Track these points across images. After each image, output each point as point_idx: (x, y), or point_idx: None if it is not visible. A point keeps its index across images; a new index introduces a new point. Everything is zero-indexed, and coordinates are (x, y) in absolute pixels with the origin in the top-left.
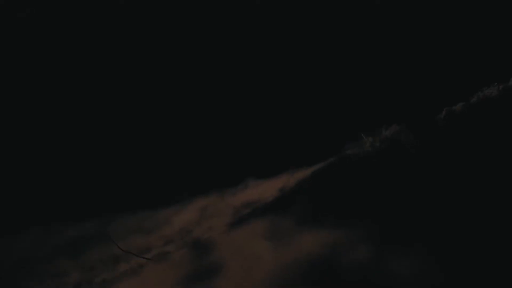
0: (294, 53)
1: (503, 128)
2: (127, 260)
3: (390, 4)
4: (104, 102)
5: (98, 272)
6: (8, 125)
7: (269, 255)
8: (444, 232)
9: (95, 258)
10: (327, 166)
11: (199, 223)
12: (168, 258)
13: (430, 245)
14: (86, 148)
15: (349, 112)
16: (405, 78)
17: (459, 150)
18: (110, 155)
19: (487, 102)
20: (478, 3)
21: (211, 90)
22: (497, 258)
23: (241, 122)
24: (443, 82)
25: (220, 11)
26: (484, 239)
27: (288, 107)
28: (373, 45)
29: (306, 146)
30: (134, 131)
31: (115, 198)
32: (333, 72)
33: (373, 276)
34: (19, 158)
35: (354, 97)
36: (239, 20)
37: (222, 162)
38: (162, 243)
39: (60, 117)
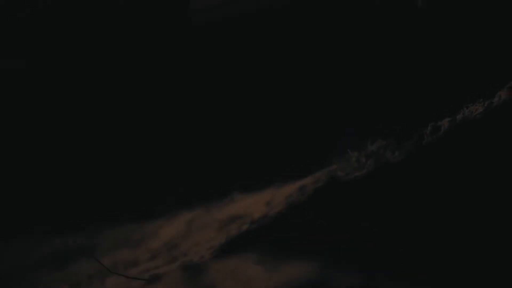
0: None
1: (487, 143)
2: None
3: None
4: (96, 109)
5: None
6: None
7: (261, 279)
8: (440, 263)
9: (82, 272)
10: (314, 182)
11: (186, 237)
12: (159, 278)
13: (424, 269)
14: (71, 159)
15: (334, 126)
16: (391, 92)
17: (444, 165)
18: (94, 167)
19: (472, 118)
20: (465, 22)
21: (200, 99)
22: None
23: (226, 135)
24: (429, 97)
25: None
26: (480, 260)
27: (273, 120)
28: (357, 60)
29: (292, 160)
30: (118, 142)
31: (101, 209)
32: (319, 83)
33: None
34: (4, 167)
35: (339, 111)
36: None
37: (208, 175)
38: (149, 257)
39: (53, 121)
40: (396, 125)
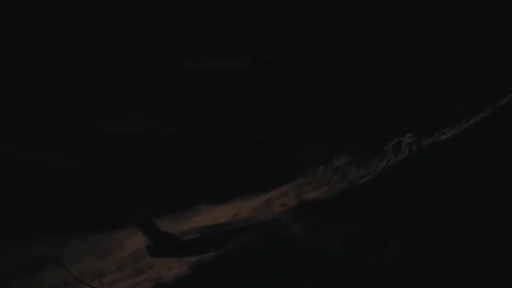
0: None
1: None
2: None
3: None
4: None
5: None
6: None
7: None
8: None
9: (49, 282)
10: (280, 195)
11: None
12: None
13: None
14: (38, 170)
15: (301, 140)
16: (360, 108)
17: (407, 185)
18: (60, 178)
19: (440, 137)
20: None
21: (166, 112)
22: None
23: (192, 148)
24: (398, 114)
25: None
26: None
27: (240, 133)
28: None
29: (258, 173)
30: (84, 154)
31: (66, 220)
32: (287, 97)
33: None
34: None
35: (306, 126)
36: None
37: (174, 186)
38: (115, 267)
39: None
40: (363, 141)
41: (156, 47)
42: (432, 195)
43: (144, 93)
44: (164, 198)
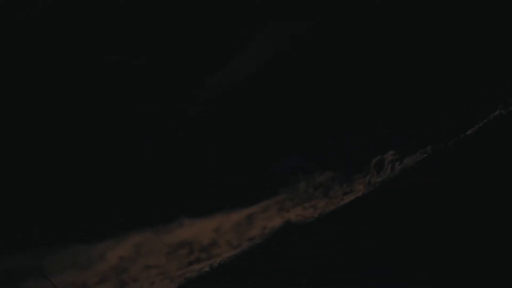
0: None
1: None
2: None
3: None
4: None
5: None
6: None
7: None
8: None
9: None
10: (262, 210)
11: (135, 260)
12: None
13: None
14: (18, 179)
15: (283, 155)
16: (344, 123)
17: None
18: (42, 187)
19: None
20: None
21: (152, 121)
22: None
23: (174, 159)
24: (380, 130)
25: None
26: None
27: (222, 147)
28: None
29: (240, 188)
30: (65, 163)
31: (48, 230)
32: (270, 109)
33: None
34: None
35: (289, 140)
36: None
37: (156, 198)
38: (97, 280)
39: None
40: (346, 157)
41: None
42: (418, 214)
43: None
44: (145, 211)
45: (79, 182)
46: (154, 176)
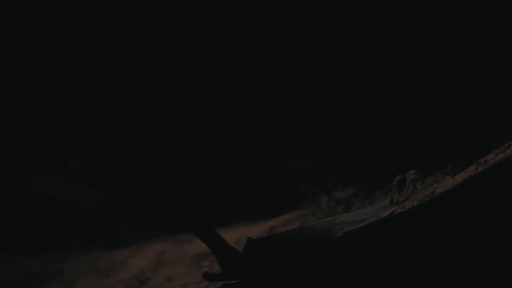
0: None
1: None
2: None
3: None
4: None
5: None
6: None
7: None
8: None
9: None
10: (284, 224)
11: (157, 270)
12: None
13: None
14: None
15: (306, 170)
16: (369, 137)
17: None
18: (61, 192)
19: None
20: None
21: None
22: None
23: (195, 171)
24: (402, 148)
25: None
26: None
27: (243, 159)
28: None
29: (262, 200)
30: (82, 167)
31: (65, 234)
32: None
33: None
34: None
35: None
36: None
37: (178, 208)
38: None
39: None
40: (368, 173)
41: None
42: (445, 242)
43: None
44: (165, 221)
45: (101, 189)
46: (172, 185)
